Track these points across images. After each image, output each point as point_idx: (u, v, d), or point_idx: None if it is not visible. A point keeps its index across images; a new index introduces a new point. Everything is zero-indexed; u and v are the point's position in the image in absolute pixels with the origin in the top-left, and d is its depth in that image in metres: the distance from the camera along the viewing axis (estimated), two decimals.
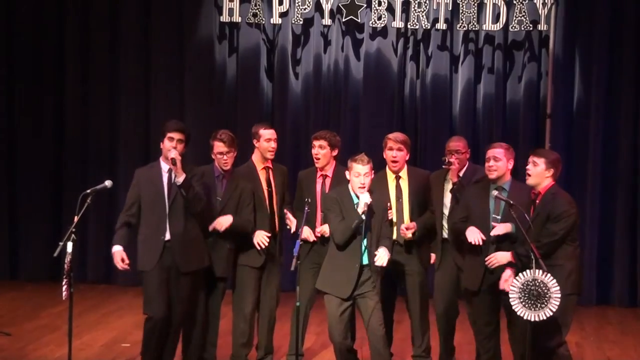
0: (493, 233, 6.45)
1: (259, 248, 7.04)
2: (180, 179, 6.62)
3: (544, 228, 6.28)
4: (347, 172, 6.51)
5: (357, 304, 6.49)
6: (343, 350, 6.55)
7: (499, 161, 6.61)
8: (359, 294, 6.44)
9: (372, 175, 6.50)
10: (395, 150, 7.12)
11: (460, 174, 7.15)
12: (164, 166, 6.72)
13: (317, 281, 6.65)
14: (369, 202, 6.36)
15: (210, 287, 7.02)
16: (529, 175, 6.41)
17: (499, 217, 6.55)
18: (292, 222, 7.14)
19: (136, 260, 6.77)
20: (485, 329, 6.75)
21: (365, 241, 6.41)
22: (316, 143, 7.21)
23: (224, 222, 6.94)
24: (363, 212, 6.33)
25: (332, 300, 6.47)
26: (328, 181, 7.23)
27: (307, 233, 7.08)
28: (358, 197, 6.39)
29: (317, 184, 7.24)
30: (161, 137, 6.73)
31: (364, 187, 6.39)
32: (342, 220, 6.39)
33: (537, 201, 6.39)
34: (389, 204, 6.90)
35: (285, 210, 7.23)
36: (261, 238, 7.02)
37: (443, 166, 7.15)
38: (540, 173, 6.37)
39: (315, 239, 7.11)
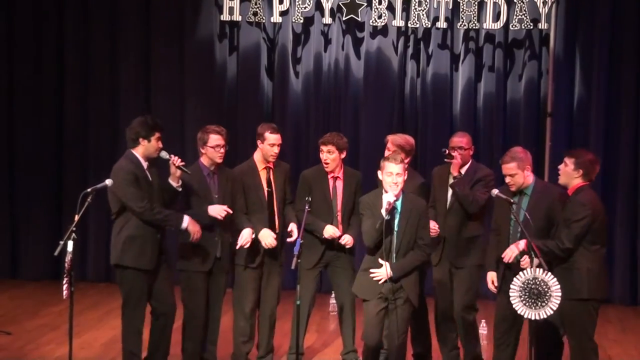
0: (519, 249, 6.33)
1: (268, 247, 7.01)
2: (179, 183, 6.66)
3: (561, 231, 6.25)
4: (379, 172, 6.41)
5: (388, 308, 6.37)
6: (375, 351, 6.42)
7: (514, 176, 6.56)
8: (392, 299, 6.33)
9: (405, 176, 6.35)
10: (390, 152, 7.06)
11: (462, 171, 7.09)
12: (143, 162, 6.63)
13: (353, 286, 6.58)
14: (392, 201, 6.23)
15: (211, 285, 6.99)
16: (560, 175, 6.42)
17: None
18: (294, 234, 7.05)
19: (115, 256, 6.65)
20: (502, 325, 6.69)
21: (394, 242, 6.30)
22: (324, 148, 7.17)
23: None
24: (386, 212, 6.21)
25: (369, 304, 6.38)
26: (340, 184, 7.23)
27: (331, 231, 7.09)
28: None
29: (329, 185, 7.22)
30: (144, 133, 6.57)
31: (397, 187, 6.27)
32: (370, 223, 6.30)
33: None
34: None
35: (290, 227, 7.12)
36: (268, 240, 7.00)
37: (445, 159, 7.11)
38: (568, 173, 6.34)
39: (340, 233, 7.10)
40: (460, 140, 7.14)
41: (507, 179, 6.59)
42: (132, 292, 6.59)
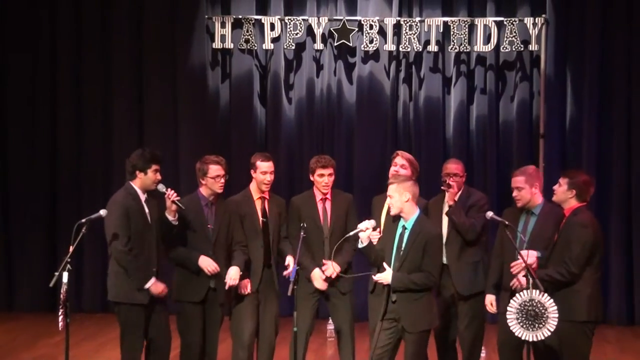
0: (527, 262, 6.23)
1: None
2: (176, 217, 6.65)
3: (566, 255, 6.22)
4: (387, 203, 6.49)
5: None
6: None
7: (521, 190, 6.60)
8: (389, 318, 6.36)
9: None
10: (399, 166, 7.05)
11: (456, 198, 7.05)
12: (141, 195, 6.63)
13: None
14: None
15: (207, 315, 6.95)
16: (554, 194, 6.44)
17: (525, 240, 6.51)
18: (289, 267, 7.00)
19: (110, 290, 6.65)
20: (504, 349, 6.66)
21: (394, 260, 6.35)
22: (326, 172, 7.11)
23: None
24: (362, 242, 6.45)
25: (375, 323, 6.46)
26: (329, 204, 7.19)
27: (318, 277, 7.01)
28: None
29: (318, 209, 7.19)
30: (141, 166, 6.57)
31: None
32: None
33: (563, 222, 6.36)
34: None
35: (287, 262, 7.08)
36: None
37: (442, 187, 7.03)
38: (562, 192, 6.36)
39: (326, 269, 7.00)
40: (455, 167, 7.10)
41: (514, 193, 6.63)
42: (127, 325, 6.56)
